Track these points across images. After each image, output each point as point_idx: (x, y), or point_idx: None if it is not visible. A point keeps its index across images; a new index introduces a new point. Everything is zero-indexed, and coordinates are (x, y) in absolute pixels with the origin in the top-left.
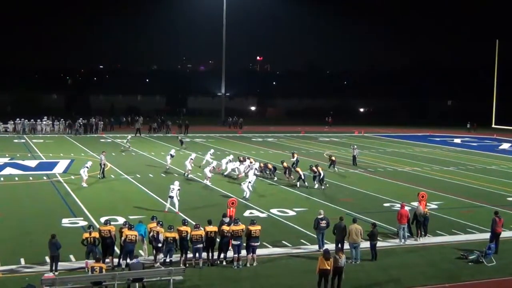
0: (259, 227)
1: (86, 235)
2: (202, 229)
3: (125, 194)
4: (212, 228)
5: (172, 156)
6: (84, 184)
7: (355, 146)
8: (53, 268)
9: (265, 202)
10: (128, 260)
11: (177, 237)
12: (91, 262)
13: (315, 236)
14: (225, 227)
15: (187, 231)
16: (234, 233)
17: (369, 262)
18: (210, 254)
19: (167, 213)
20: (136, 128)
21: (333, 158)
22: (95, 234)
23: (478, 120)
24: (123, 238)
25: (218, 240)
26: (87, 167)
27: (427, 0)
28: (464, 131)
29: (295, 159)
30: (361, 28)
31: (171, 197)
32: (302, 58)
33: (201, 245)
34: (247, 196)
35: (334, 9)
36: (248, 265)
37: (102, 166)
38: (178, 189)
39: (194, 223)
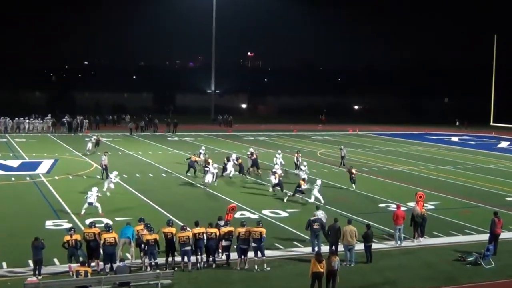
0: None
1: (67, 237)
2: (190, 230)
3: (112, 195)
4: (200, 230)
5: (204, 154)
6: (108, 193)
7: (342, 147)
8: (37, 272)
9: (257, 203)
10: (111, 264)
11: (158, 238)
12: (74, 266)
13: (308, 237)
14: (210, 229)
15: (172, 233)
16: (242, 236)
17: (364, 264)
18: (199, 257)
19: (82, 216)
20: (129, 128)
21: (354, 171)
22: (77, 237)
23: (477, 118)
24: (101, 242)
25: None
26: (112, 178)
27: None
28: (454, 129)
29: (299, 161)
30: (355, 24)
31: (91, 204)
32: (295, 54)
33: (189, 248)
34: (322, 202)
35: (328, 4)
36: (238, 268)
37: (104, 167)
38: (97, 195)
39: (181, 224)
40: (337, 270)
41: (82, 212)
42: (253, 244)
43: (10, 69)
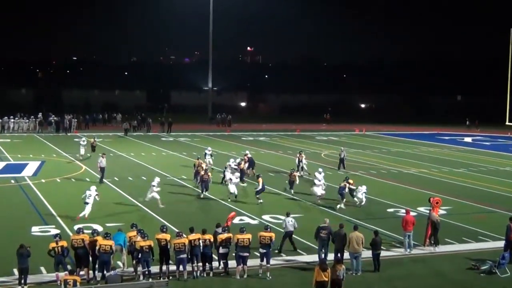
0: (249, 236)
1: (53, 244)
2: (185, 237)
3: (102, 199)
4: (195, 236)
5: (211, 156)
6: (162, 205)
7: (342, 148)
8: (22, 281)
9: (257, 208)
10: (104, 272)
11: (152, 245)
12: (62, 274)
13: (312, 244)
14: (204, 236)
15: (166, 239)
16: (240, 243)
17: (371, 273)
18: (196, 265)
19: (79, 219)
20: (124, 129)
21: (351, 181)
22: (63, 243)
23: (486, 117)
24: (97, 248)
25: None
26: (154, 186)
27: None
28: (464, 128)
29: (303, 162)
30: (361, 17)
31: (87, 204)
32: (297, 49)
33: (184, 255)
34: (363, 203)
35: None
36: (238, 277)
37: (100, 170)
38: (96, 194)
39: (177, 231)
40: (343, 280)
41: (86, 215)
42: (262, 250)
43: None
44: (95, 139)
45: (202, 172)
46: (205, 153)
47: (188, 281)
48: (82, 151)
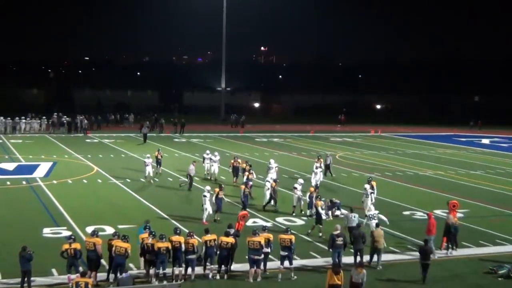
0: (259, 239)
1: (66, 246)
2: (196, 238)
3: (114, 201)
4: (210, 237)
5: (210, 159)
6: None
7: (328, 154)
8: (25, 284)
9: (271, 210)
10: (116, 275)
11: (170, 247)
12: (74, 276)
13: (326, 247)
14: (225, 239)
15: (180, 242)
16: (251, 245)
17: (388, 277)
18: (209, 266)
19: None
20: (143, 134)
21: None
22: (76, 245)
23: (494, 116)
24: (113, 249)
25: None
26: (207, 196)
27: None
28: (467, 129)
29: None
30: (377, 15)
31: (206, 209)
32: (311, 49)
33: (194, 256)
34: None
35: None
36: (251, 279)
37: (191, 177)
38: (204, 196)
39: (187, 231)
40: (363, 284)
41: (215, 217)
42: (283, 253)
43: (5, 64)
44: (160, 151)
45: (243, 187)
46: (204, 157)
47: (196, 282)
48: (150, 170)
